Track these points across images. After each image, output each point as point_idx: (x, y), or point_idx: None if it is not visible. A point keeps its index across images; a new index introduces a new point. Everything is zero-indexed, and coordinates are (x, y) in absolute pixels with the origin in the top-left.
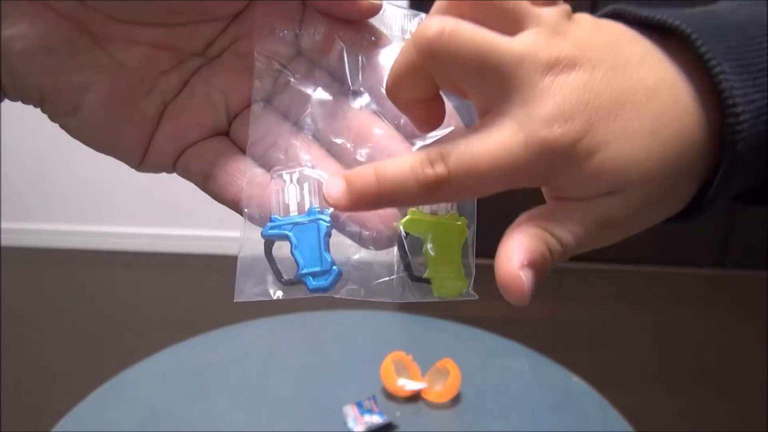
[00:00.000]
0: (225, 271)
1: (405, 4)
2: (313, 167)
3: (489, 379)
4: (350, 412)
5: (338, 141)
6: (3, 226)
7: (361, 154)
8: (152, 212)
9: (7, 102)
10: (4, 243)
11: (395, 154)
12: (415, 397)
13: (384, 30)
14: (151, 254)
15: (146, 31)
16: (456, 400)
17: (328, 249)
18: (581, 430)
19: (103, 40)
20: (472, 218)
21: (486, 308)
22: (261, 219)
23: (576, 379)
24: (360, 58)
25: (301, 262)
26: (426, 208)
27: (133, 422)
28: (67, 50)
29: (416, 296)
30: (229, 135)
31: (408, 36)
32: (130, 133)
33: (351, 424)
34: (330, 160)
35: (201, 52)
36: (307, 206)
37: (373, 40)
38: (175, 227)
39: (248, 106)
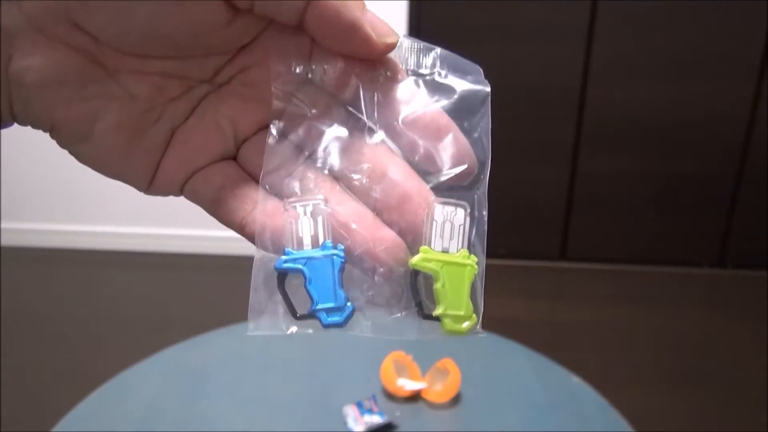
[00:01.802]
0: (225, 271)
1: (405, 4)
2: (327, 201)
3: (489, 379)
4: (350, 412)
5: (353, 176)
6: (3, 226)
7: (376, 190)
8: (152, 212)
9: None
10: (4, 243)
11: (409, 191)
12: (415, 397)
13: (400, 64)
14: (151, 254)
15: (156, 63)
16: (456, 400)
17: (342, 285)
18: (581, 430)
19: (115, 72)
20: (482, 256)
21: (486, 308)
22: (274, 251)
23: (576, 379)
24: (376, 94)
25: (315, 297)
26: (437, 246)
27: (133, 422)
28: (79, 82)
29: (426, 334)
30: (237, 160)
31: (422, 70)
32: (139, 160)
33: (351, 424)
34: (344, 195)
35: (209, 80)
36: (321, 240)
37: (388, 75)
38: (175, 227)
39: (256, 132)
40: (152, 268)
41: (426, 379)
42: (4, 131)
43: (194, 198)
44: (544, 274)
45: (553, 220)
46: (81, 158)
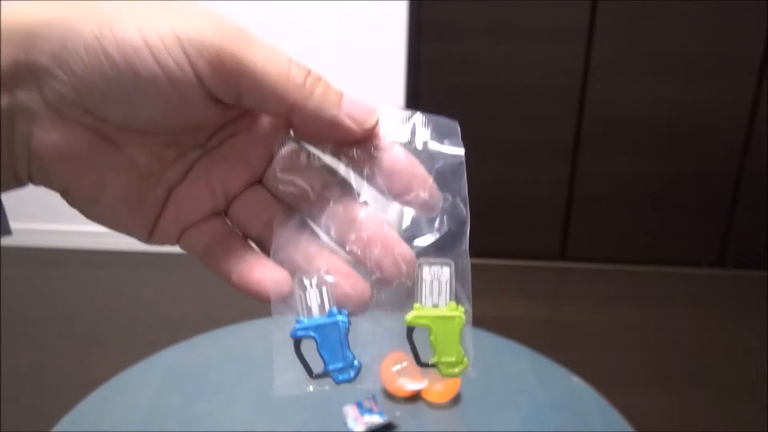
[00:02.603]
0: None
1: (405, 4)
2: (329, 272)
3: (489, 379)
4: (350, 412)
5: (352, 248)
6: None
7: (371, 258)
8: None
9: None
10: (4, 243)
11: (398, 258)
12: (415, 397)
13: (383, 134)
14: (151, 254)
15: (157, 137)
16: (456, 400)
17: (348, 346)
18: (581, 430)
19: (121, 145)
20: (468, 304)
21: (486, 308)
22: (288, 321)
23: (576, 379)
24: (365, 169)
25: (326, 359)
26: (428, 303)
27: (133, 422)
28: (90, 155)
29: (425, 378)
30: (227, 214)
31: (404, 139)
32: (140, 219)
33: (351, 424)
34: (343, 265)
35: (202, 145)
36: (327, 308)
37: (374, 150)
38: None
39: (244, 189)
40: (152, 268)
41: (426, 378)
42: None
43: (188, 250)
44: (544, 274)
45: (553, 219)
46: (90, 218)
